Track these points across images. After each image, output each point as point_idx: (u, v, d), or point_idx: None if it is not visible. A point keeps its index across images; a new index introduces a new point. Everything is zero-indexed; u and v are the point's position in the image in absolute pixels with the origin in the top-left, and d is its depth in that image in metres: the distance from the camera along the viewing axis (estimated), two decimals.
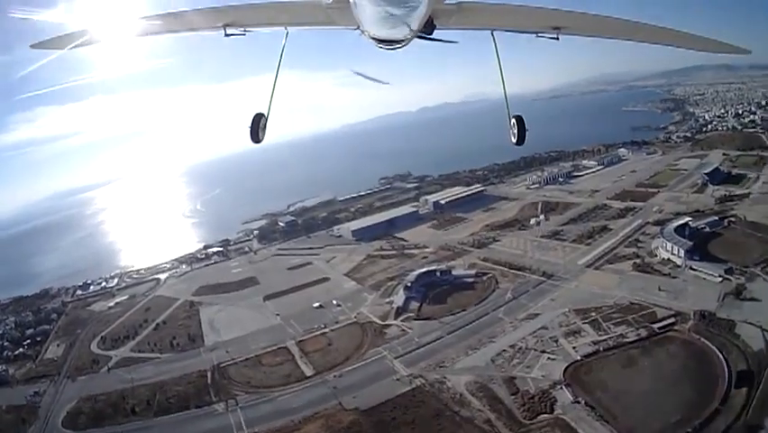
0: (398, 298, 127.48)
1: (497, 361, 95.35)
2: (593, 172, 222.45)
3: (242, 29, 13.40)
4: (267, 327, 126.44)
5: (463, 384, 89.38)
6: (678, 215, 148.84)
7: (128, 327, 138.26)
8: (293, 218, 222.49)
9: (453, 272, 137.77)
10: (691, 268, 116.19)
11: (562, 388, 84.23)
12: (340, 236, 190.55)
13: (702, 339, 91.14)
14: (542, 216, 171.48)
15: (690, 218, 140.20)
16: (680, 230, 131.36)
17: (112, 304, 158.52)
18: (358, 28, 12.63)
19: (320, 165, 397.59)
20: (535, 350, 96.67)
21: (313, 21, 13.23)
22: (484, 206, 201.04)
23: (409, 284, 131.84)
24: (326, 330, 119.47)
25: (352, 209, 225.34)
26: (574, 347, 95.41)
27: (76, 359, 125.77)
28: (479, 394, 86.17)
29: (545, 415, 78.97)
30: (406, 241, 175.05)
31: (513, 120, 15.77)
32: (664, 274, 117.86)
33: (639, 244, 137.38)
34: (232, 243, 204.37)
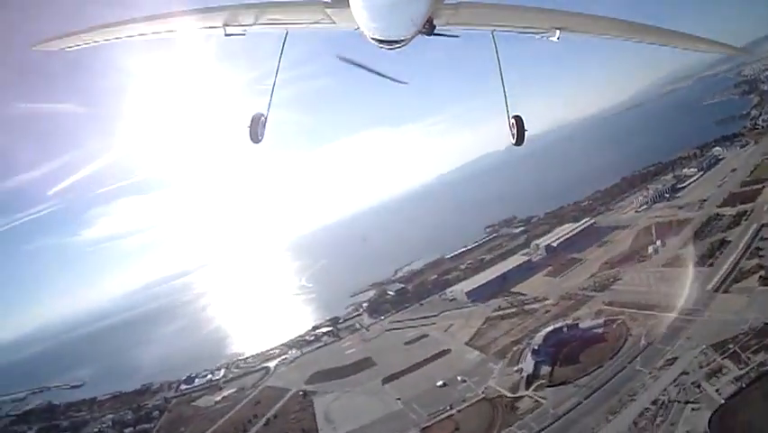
0: (527, 364, 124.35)
1: (639, 423, 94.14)
2: (695, 180, 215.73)
3: (242, 29, 14.08)
4: (388, 413, 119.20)
5: None
6: None
7: (236, 423, 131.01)
8: (402, 285, 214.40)
9: (581, 325, 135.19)
10: None
11: None
12: (453, 299, 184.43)
13: None
14: (658, 243, 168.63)
15: None
16: None
17: (218, 398, 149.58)
18: (358, 28, 13.18)
19: (420, 222, 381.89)
20: (679, 402, 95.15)
21: (313, 21, 13.76)
22: (597, 240, 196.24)
23: (537, 347, 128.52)
24: (453, 412, 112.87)
25: (462, 267, 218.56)
26: (717, 390, 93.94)
27: None
28: None
29: None
30: (524, 295, 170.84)
31: (512, 120, 16.28)
32: None
33: (761, 253, 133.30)
34: (341, 320, 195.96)
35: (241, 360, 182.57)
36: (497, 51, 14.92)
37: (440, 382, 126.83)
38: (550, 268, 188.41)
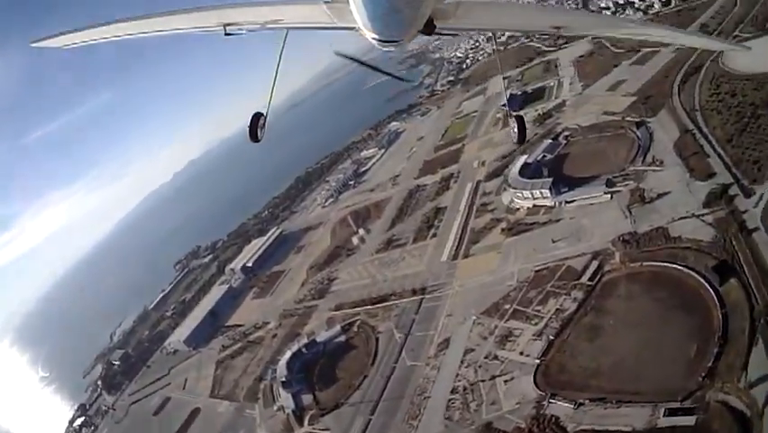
0: (285, 399, 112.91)
1: (453, 417, 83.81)
2: (379, 159, 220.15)
3: (242, 29, 14.17)
4: None
5: None
6: (504, 158, 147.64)
7: None
8: (123, 351, 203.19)
9: (319, 339, 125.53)
10: (567, 202, 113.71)
11: (551, 402, 75.62)
12: (176, 351, 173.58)
13: (645, 263, 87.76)
14: (361, 231, 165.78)
15: (524, 155, 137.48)
16: (524, 171, 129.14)
17: None
18: (358, 28, 12.76)
19: (112, 277, 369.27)
20: (483, 381, 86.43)
21: (313, 21, 13.79)
22: (293, 247, 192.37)
23: (284, 379, 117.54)
24: None
25: (168, 313, 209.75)
26: (521, 352, 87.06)
27: None
28: None
29: None
30: (241, 325, 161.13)
31: (513, 120, 17.47)
32: (544, 223, 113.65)
33: (490, 207, 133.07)
34: (87, 406, 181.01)
35: None
36: (497, 51, 16.16)
37: None
38: (255, 289, 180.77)
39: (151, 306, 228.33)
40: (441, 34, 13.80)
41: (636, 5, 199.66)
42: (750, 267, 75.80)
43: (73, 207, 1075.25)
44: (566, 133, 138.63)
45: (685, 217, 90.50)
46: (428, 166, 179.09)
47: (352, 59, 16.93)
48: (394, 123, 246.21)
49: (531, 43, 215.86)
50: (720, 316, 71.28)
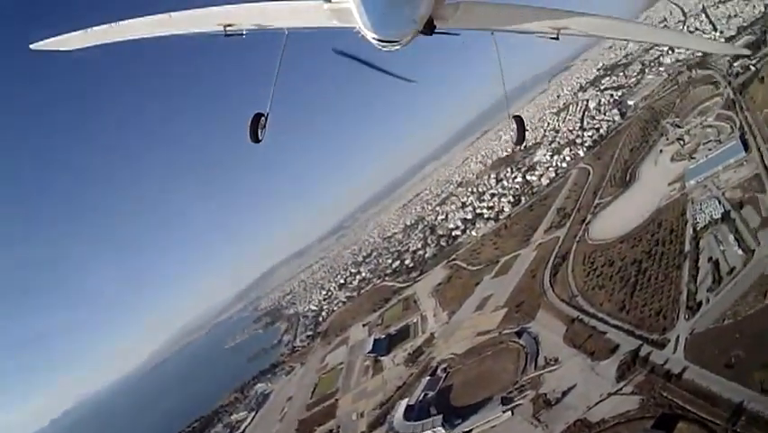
0: None
1: None
2: (251, 422, 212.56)
3: (242, 29, 14.58)
4: None
5: None
6: (384, 404, 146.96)
7: None
8: None
9: None
10: None
11: None
12: None
13: None
14: None
15: (404, 400, 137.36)
16: (408, 415, 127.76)
17: None
18: (358, 28, 13.33)
19: None
20: None
21: (313, 21, 14.13)
22: None
23: None
24: None
25: None
26: None
27: None
28: None
29: None
30: None
31: (513, 120, 17.31)
32: None
33: None
34: None
35: None
36: (497, 51, 16.08)
37: None
38: None
39: None
40: (441, 33, 14.30)
41: (486, 216, 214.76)
42: (693, 403, 78.40)
43: None
44: (443, 366, 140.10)
45: (602, 400, 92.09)
46: (304, 426, 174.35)
47: (351, 57, 16.67)
48: (260, 384, 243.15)
49: (384, 283, 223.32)
50: None
